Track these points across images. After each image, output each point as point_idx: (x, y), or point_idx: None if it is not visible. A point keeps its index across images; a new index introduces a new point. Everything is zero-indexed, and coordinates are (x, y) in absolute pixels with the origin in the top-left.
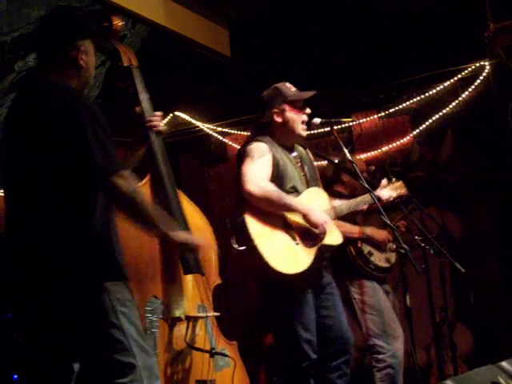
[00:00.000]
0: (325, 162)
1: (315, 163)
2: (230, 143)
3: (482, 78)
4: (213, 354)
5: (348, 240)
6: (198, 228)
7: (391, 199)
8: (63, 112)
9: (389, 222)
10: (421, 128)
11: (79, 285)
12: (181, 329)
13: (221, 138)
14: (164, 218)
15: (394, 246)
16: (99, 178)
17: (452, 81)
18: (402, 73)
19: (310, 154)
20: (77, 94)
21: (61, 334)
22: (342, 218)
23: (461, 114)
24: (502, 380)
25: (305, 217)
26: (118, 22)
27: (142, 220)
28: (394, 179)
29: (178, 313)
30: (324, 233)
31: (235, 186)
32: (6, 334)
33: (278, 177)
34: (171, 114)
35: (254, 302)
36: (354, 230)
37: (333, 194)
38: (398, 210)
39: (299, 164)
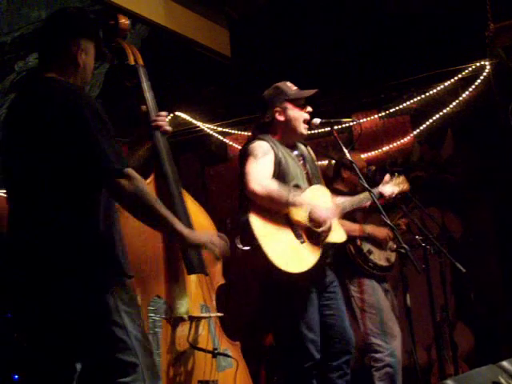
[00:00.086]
0: (325, 163)
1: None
2: (231, 143)
3: (482, 77)
4: (215, 354)
5: (348, 238)
6: (203, 227)
7: (393, 195)
8: (65, 111)
9: (389, 222)
10: (421, 128)
11: (79, 285)
12: (183, 329)
13: (221, 138)
14: (175, 218)
15: (395, 246)
16: (107, 177)
17: (452, 81)
18: (402, 73)
19: (312, 152)
20: (79, 92)
21: (61, 334)
22: (342, 216)
23: (461, 113)
24: (502, 380)
25: (310, 213)
26: (125, 21)
27: (155, 219)
28: (396, 174)
29: (180, 313)
30: (329, 229)
31: (237, 186)
32: (5, 333)
33: (280, 175)
34: (171, 114)
35: (254, 302)
36: (354, 228)
37: (333, 191)
38: (398, 209)
39: (301, 162)
